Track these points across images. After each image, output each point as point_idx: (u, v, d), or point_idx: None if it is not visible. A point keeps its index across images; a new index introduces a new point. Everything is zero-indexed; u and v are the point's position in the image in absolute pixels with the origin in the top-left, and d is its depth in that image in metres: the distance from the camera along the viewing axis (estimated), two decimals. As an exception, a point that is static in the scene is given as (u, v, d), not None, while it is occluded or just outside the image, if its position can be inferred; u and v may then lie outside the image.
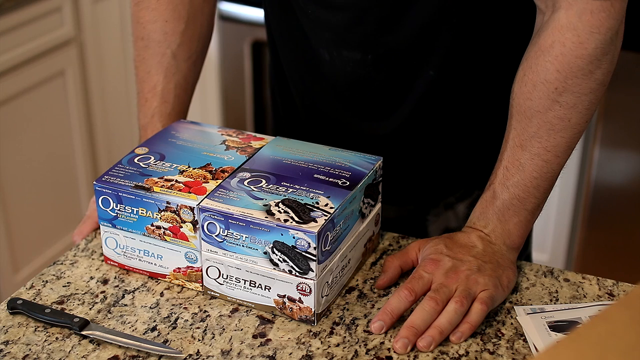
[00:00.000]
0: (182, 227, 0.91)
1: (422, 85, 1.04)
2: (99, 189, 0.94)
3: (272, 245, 0.87)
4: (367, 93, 1.07)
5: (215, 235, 0.89)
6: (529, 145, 0.93)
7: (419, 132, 1.09)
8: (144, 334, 0.89)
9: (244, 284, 0.91)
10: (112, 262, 0.99)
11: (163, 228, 0.93)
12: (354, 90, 1.07)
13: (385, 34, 1.00)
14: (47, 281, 0.97)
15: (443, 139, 1.10)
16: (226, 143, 1.01)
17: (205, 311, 0.92)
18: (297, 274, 0.87)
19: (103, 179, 0.94)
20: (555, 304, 0.93)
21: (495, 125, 1.05)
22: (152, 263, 0.96)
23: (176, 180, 0.93)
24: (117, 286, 0.96)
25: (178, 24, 1.10)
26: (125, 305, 0.93)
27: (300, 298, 0.88)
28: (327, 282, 0.89)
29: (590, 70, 0.88)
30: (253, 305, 0.92)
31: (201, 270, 0.93)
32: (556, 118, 0.91)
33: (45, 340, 0.88)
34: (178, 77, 1.11)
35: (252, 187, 0.92)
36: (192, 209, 0.90)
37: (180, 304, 0.93)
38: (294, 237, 0.85)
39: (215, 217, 0.88)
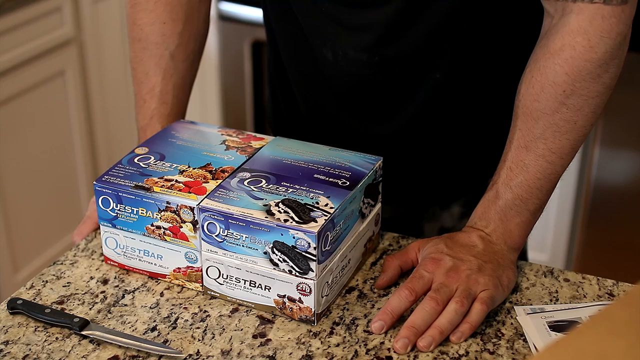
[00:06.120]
0: (182, 227, 0.91)
1: (427, 89, 1.03)
2: (99, 189, 0.94)
3: (272, 245, 0.87)
4: (371, 95, 1.06)
5: (215, 235, 0.89)
6: (534, 147, 0.93)
7: (421, 134, 1.09)
8: (144, 334, 0.89)
9: (244, 284, 0.91)
10: (112, 262, 0.99)
11: (163, 228, 0.93)
12: (357, 92, 1.07)
13: (397, 35, 0.99)
14: (47, 281, 0.97)
15: (445, 141, 1.10)
16: (226, 143, 1.01)
17: (205, 311, 0.92)
18: (297, 274, 0.87)
19: (103, 179, 0.94)
20: (555, 304, 0.93)
21: (497, 128, 1.05)
22: (152, 263, 0.96)
23: (176, 180, 0.93)
24: (117, 286, 0.96)
25: (176, 26, 1.10)
26: (125, 305, 0.93)
27: (300, 298, 0.88)
28: (327, 282, 0.89)
29: (598, 74, 0.89)
30: (253, 305, 0.92)
31: (201, 270, 0.93)
32: (562, 120, 0.91)
33: (45, 340, 0.88)
34: (176, 78, 1.11)
35: (252, 187, 0.92)
36: (192, 209, 0.90)
37: (180, 304, 0.93)
38: (294, 237, 0.85)
39: (215, 217, 0.88)
